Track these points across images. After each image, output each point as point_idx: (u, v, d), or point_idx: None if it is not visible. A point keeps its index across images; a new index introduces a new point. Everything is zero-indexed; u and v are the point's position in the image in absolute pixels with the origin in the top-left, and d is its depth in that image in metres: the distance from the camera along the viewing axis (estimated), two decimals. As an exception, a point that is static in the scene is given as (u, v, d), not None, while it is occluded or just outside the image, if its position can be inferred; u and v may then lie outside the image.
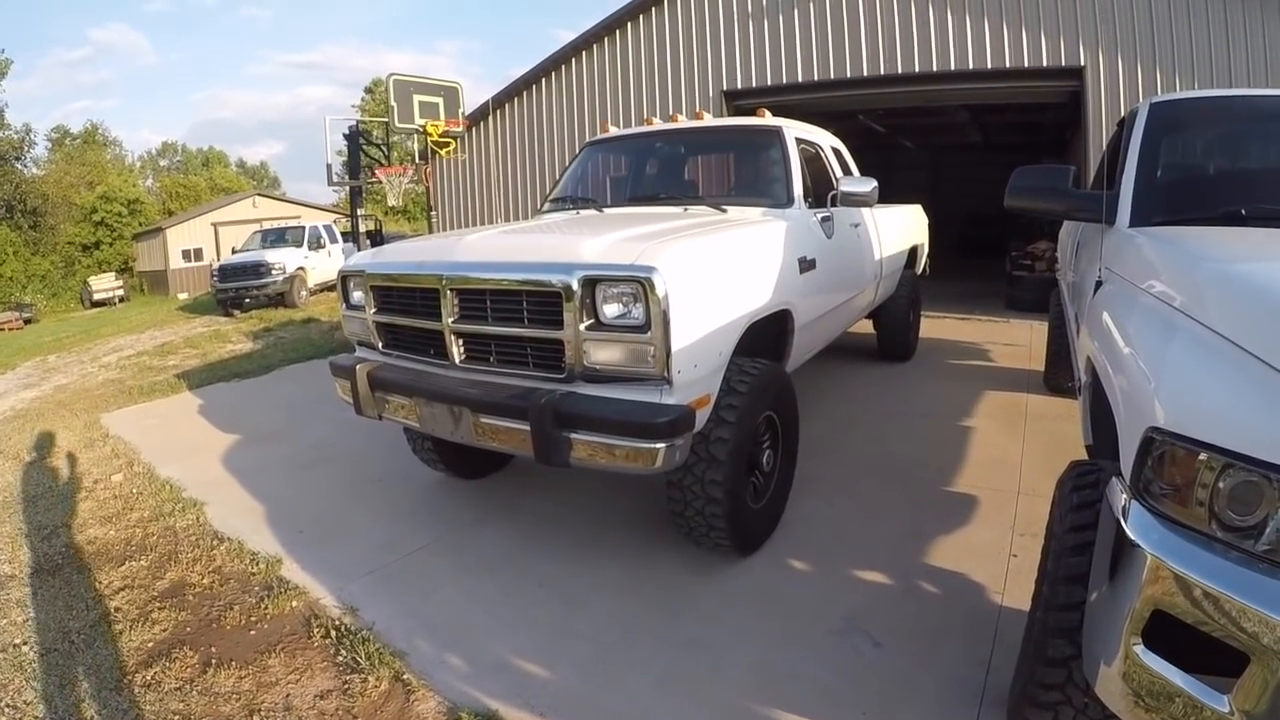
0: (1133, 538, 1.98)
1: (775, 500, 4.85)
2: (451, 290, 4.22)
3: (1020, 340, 10.56)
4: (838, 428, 6.92)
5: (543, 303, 3.90)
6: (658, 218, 5.10)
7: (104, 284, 39.14)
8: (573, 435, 3.79)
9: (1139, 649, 1.93)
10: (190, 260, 40.03)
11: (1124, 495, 2.11)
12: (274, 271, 20.96)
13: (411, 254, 4.76)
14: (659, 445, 3.62)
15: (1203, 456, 1.84)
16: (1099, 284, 3.58)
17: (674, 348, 3.63)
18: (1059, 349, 7.27)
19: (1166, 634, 1.90)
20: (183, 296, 34.92)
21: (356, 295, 5.01)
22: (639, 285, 3.62)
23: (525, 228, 5.34)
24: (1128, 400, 2.30)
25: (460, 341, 4.32)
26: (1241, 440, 1.79)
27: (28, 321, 31.32)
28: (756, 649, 3.74)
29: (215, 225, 41.06)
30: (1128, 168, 4.01)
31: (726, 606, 4.12)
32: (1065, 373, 7.08)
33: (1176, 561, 1.85)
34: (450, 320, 4.25)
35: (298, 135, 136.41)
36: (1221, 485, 1.81)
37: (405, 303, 4.64)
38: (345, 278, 5.11)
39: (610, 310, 3.75)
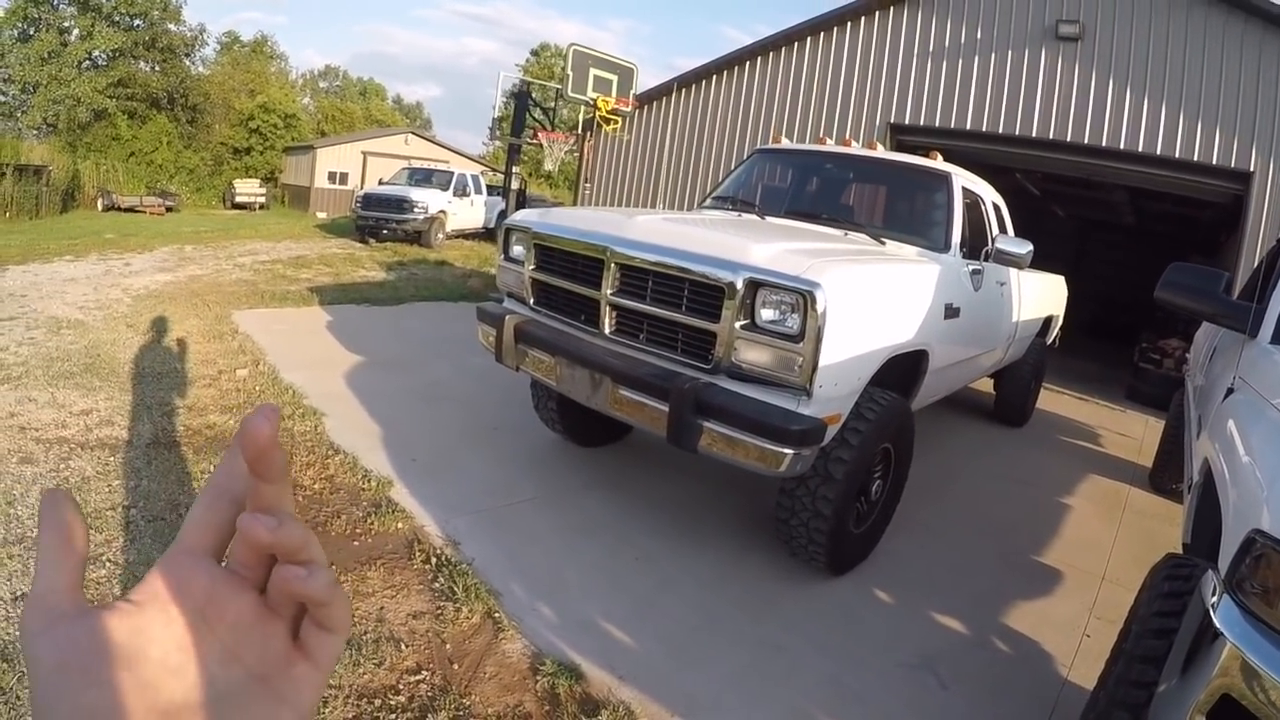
0: (1219, 626, 2.12)
1: (874, 529, 4.96)
2: (616, 264, 4.40)
3: (1134, 433, 10.39)
4: (942, 477, 6.96)
5: (704, 294, 4.06)
6: (820, 236, 5.25)
7: (248, 188, 39.93)
8: (706, 423, 3.96)
9: None
10: (335, 183, 40.83)
11: (1217, 588, 2.25)
12: (416, 209, 21.25)
13: (581, 221, 4.96)
14: (788, 451, 3.78)
15: None
16: (1230, 391, 3.64)
17: (821, 362, 3.78)
18: (1171, 449, 7.19)
19: None
20: (321, 215, 35.62)
21: (517, 250, 5.22)
22: (801, 297, 3.76)
23: (692, 219, 5.47)
24: (1238, 502, 2.42)
25: (614, 314, 4.52)
26: None
27: (170, 209, 32.08)
28: (830, 664, 3.86)
29: (365, 154, 41.79)
30: (1279, 287, 4.06)
31: (808, 619, 4.25)
32: (1172, 475, 7.07)
33: (1255, 654, 1.99)
34: (609, 292, 4.44)
35: (456, 83, 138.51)
36: None
37: (566, 266, 4.82)
38: (509, 230, 5.32)
39: (767, 314, 3.90)
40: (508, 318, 4.99)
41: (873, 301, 4.32)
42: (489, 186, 26.42)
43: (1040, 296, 8.68)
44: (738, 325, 3.93)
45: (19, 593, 3.57)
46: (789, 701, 3.55)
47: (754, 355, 3.94)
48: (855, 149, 6.89)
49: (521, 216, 5.35)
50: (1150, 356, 13.41)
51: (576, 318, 4.76)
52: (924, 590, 4.77)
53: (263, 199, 39.91)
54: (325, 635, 0.57)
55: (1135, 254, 21.88)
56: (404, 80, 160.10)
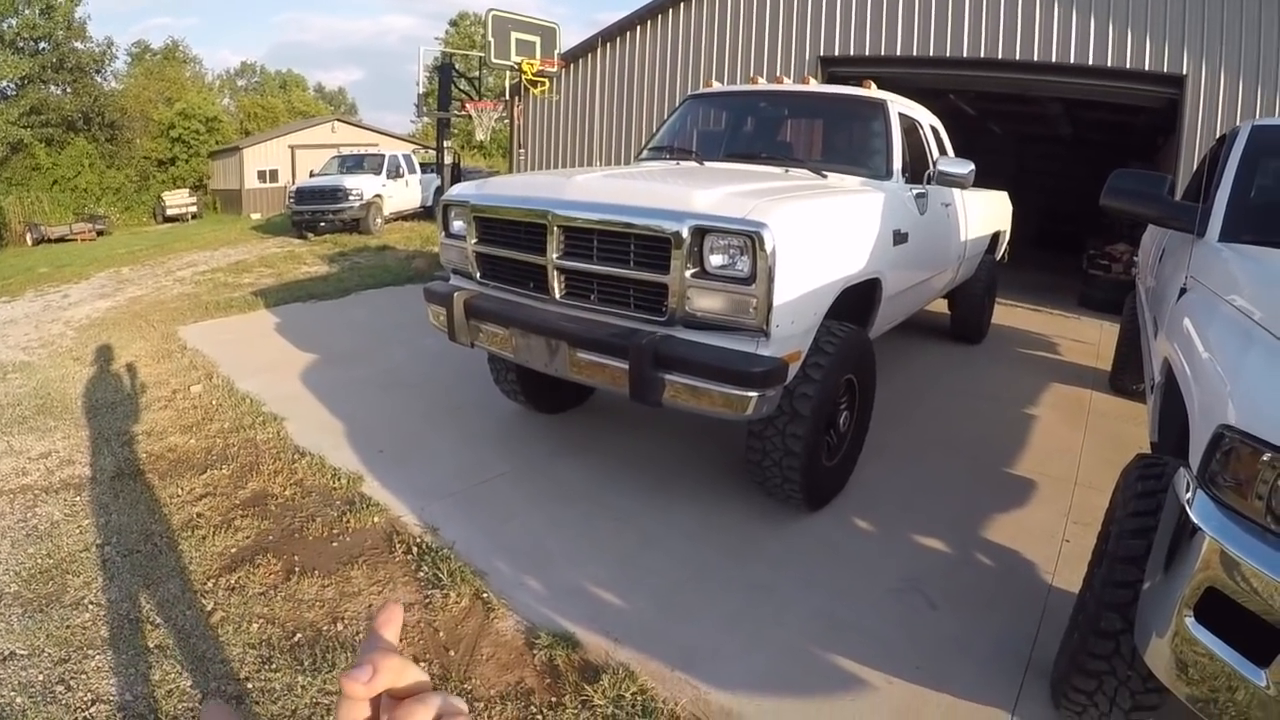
0: (1196, 521, 2.16)
1: (846, 461, 4.98)
2: (559, 227, 4.34)
3: (1089, 338, 10.51)
4: (906, 400, 7.02)
5: (651, 247, 4.01)
6: (760, 176, 5.19)
7: (178, 200, 39.45)
8: (667, 376, 3.93)
9: (1189, 621, 2.12)
10: (265, 181, 40.44)
11: (1190, 484, 2.29)
12: (351, 197, 21.02)
13: (519, 188, 4.90)
14: (752, 394, 3.77)
15: (1266, 456, 2.01)
16: (1183, 291, 3.66)
17: (775, 302, 3.76)
18: (1128, 352, 7.28)
19: (1214, 615, 2.09)
20: (255, 216, 35.21)
21: (458, 225, 5.12)
22: (748, 239, 3.73)
23: (632, 172, 5.41)
24: (1203, 400, 2.45)
25: (562, 277, 4.45)
26: None
27: (101, 233, 31.62)
28: (819, 598, 3.89)
29: (292, 148, 41.36)
30: (1222, 185, 4.11)
31: (792, 556, 4.28)
32: (1131, 376, 7.18)
33: (1233, 545, 2.04)
34: (555, 256, 4.37)
35: (378, 63, 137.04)
36: None
37: (509, 235, 4.75)
38: (448, 206, 5.22)
39: (716, 260, 3.86)
40: (456, 295, 4.91)
41: (820, 236, 4.29)
42: (422, 164, 26.12)
43: (985, 214, 8.73)
44: (688, 274, 3.88)
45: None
46: (784, 640, 3.57)
47: (708, 302, 3.91)
48: (788, 85, 6.85)
49: (459, 190, 5.26)
50: (1099, 263, 13.53)
51: (525, 286, 4.69)
52: (902, 514, 4.82)
53: (194, 208, 39.42)
54: None
55: (1075, 164, 22.02)
56: (324, 68, 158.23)
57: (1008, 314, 11.51)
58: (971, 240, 7.92)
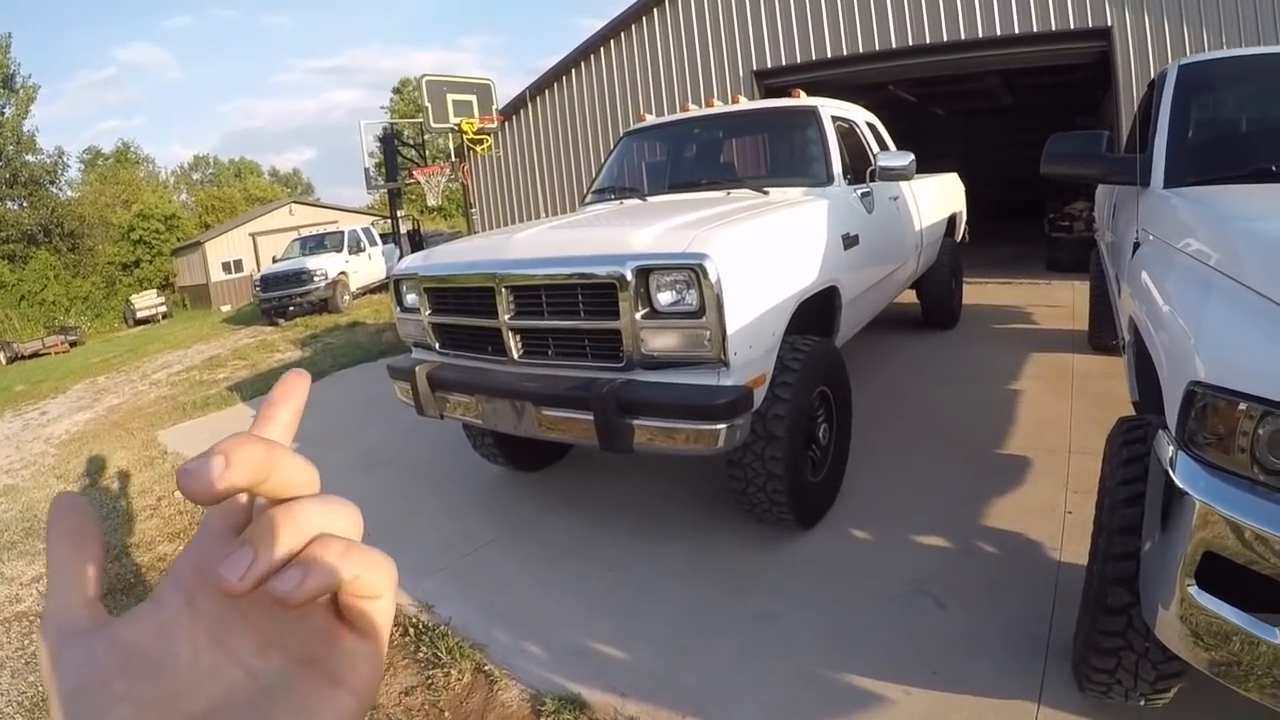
0: (1181, 486, 2.09)
1: (833, 472, 4.92)
2: (506, 288, 4.31)
3: (1062, 301, 10.52)
4: (889, 397, 6.99)
5: (598, 294, 3.98)
6: (702, 204, 5.16)
7: (146, 301, 39.36)
8: (635, 421, 3.87)
9: (1193, 590, 2.05)
10: (231, 272, 40.39)
11: (1171, 447, 2.22)
12: (316, 278, 20.98)
13: (464, 254, 4.87)
14: (720, 426, 3.70)
15: (1242, 406, 1.96)
16: (1137, 245, 3.63)
17: (729, 330, 3.72)
18: (1101, 308, 7.25)
19: (1219, 575, 2.02)
20: (225, 309, 35.22)
21: (410, 298, 5.10)
22: (692, 272, 3.70)
23: (573, 221, 5.42)
24: (1170, 357, 2.40)
25: (518, 337, 4.42)
26: (1277, 389, 1.91)
27: (74, 344, 31.48)
28: (825, 618, 3.82)
29: (253, 235, 41.38)
30: (1159, 131, 4.07)
31: (793, 579, 4.21)
32: (1109, 331, 7.10)
33: (1223, 505, 1.97)
34: (507, 317, 4.34)
35: (328, 140, 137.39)
36: (1261, 432, 1.93)
37: (460, 302, 4.73)
38: (398, 281, 5.20)
39: (665, 298, 3.83)
40: (418, 368, 4.86)
41: (765, 255, 4.26)
42: (382, 235, 26.10)
43: (937, 199, 8.73)
44: (638, 316, 3.84)
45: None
46: (794, 668, 3.50)
47: (662, 341, 3.87)
48: (719, 108, 6.84)
49: (407, 264, 5.24)
50: (1060, 225, 13.58)
51: (484, 350, 4.65)
52: (899, 516, 4.75)
53: (164, 308, 39.29)
54: (367, 602, 0.50)
55: (1021, 131, 22.03)
56: (275, 150, 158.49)
57: (979, 292, 11.52)
58: (927, 228, 7.90)
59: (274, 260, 25.25)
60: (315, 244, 24.26)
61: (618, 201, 6.22)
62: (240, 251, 40.95)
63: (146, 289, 42.46)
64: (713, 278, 3.64)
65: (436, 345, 5.01)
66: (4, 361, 29.49)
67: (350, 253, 23.08)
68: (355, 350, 13.56)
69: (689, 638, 3.82)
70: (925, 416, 6.50)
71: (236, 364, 14.81)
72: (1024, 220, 19.16)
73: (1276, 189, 3.35)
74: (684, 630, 3.89)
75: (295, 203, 46.76)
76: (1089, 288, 7.96)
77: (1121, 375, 5.70)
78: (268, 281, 21.68)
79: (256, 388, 11.62)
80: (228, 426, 9.44)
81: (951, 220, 9.50)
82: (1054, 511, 4.54)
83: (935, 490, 5.05)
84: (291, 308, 21.10)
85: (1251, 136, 4.41)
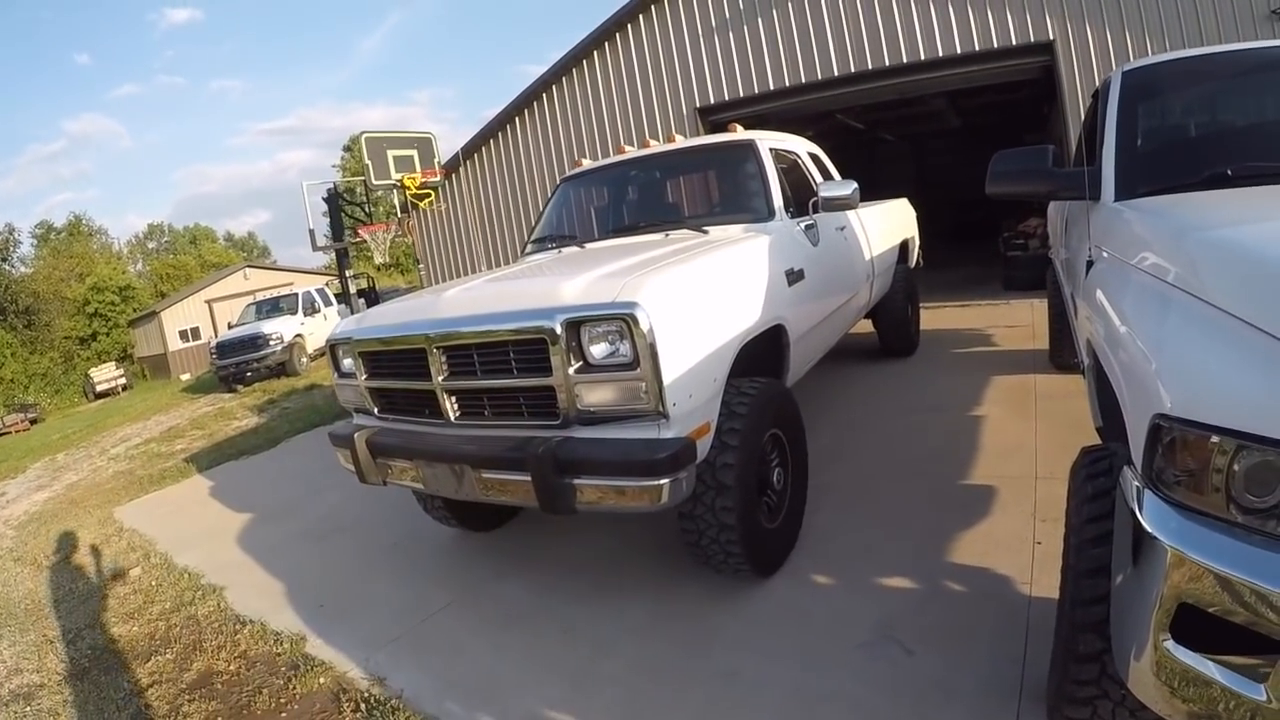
0: (1150, 530, 1.91)
1: (791, 517, 4.76)
2: (438, 348, 4.16)
3: (1022, 320, 10.51)
4: (849, 433, 6.86)
5: (529, 350, 3.83)
6: (638, 248, 5.04)
7: (105, 374, 39.12)
8: (576, 481, 3.71)
9: (1169, 644, 1.86)
10: (188, 340, 40.18)
11: (1137, 485, 2.04)
12: (272, 342, 20.89)
13: (396, 315, 4.71)
14: (663, 481, 3.54)
15: (1214, 440, 1.77)
16: (1090, 263, 3.51)
17: (666, 381, 3.57)
18: (1061, 326, 7.18)
19: (1197, 622, 1.82)
20: (185, 377, 34.92)
21: (347, 363, 4.94)
22: (623, 322, 3.56)
23: (505, 274, 5.29)
24: (1131, 386, 2.23)
25: (453, 398, 4.26)
26: (1252, 420, 1.72)
27: (34, 421, 31.26)
28: (788, 672, 3.66)
29: (209, 302, 41.21)
30: (1106, 140, 3.93)
31: (754, 632, 4.04)
32: (1069, 349, 6.97)
33: (1196, 552, 1.78)
34: (440, 378, 4.19)
35: (283, 202, 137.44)
36: (1236, 468, 1.75)
37: (395, 365, 4.57)
38: (334, 346, 5.04)
39: (598, 350, 3.68)
40: (356, 435, 4.69)
41: (702, 298, 4.12)
42: (336, 295, 25.97)
43: (888, 225, 8.68)
44: (572, 371, 3.68)
45: None
46: (758, 729, 3.33)
47: (598, 396, 3.71)
48: (656, 147, 6.74)
49: (341, 328, 5.08)
50: (1014, 243, 13.64)
51: (422, 413, 4.49)
52: (862, 557, 4.60)
53: (123, 380, 39.07)
54: None
55: (971, 151, 22.15)
56: (231, 215, 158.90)
57: (937, 316, 11.51)
58: (878, 255, 7.82)
59: (229, 326, 25.14)
60: (270, 308, 24.21)
61: (556, 250, 6.10)
62: (197, 319, 40.75)
63: (105, 362, 42.29)
64: (644, 327, 3.49)
65: (375, 410, 4.85)
66: (-36, 441, 29.16)
67: (305, 314, 23.00)
68: (312, 414, 13.41)
69: (646, 701, 3.66)
70: (886, 450, 6.36)
71: (194, 434, 14.65)
72: (979, 240, 19.26)
73: (1234, 195, 3.22)
74: (641, 694, 3.72)
75: (250, 267, 46.70)
76: (1047, 306, 7.87)
77: (1085, 393, 5.61)
78: (224, 348, 21.56)
79: (213, 458, 11.48)
80: (184, 499, 9.35)
81: (904, 246, 9.44)
82: (1023, 543, 4.41)
83: (899, 528, 4.90)
84: (249, 373, 20.96)
85: (1204, 141, 4.30)
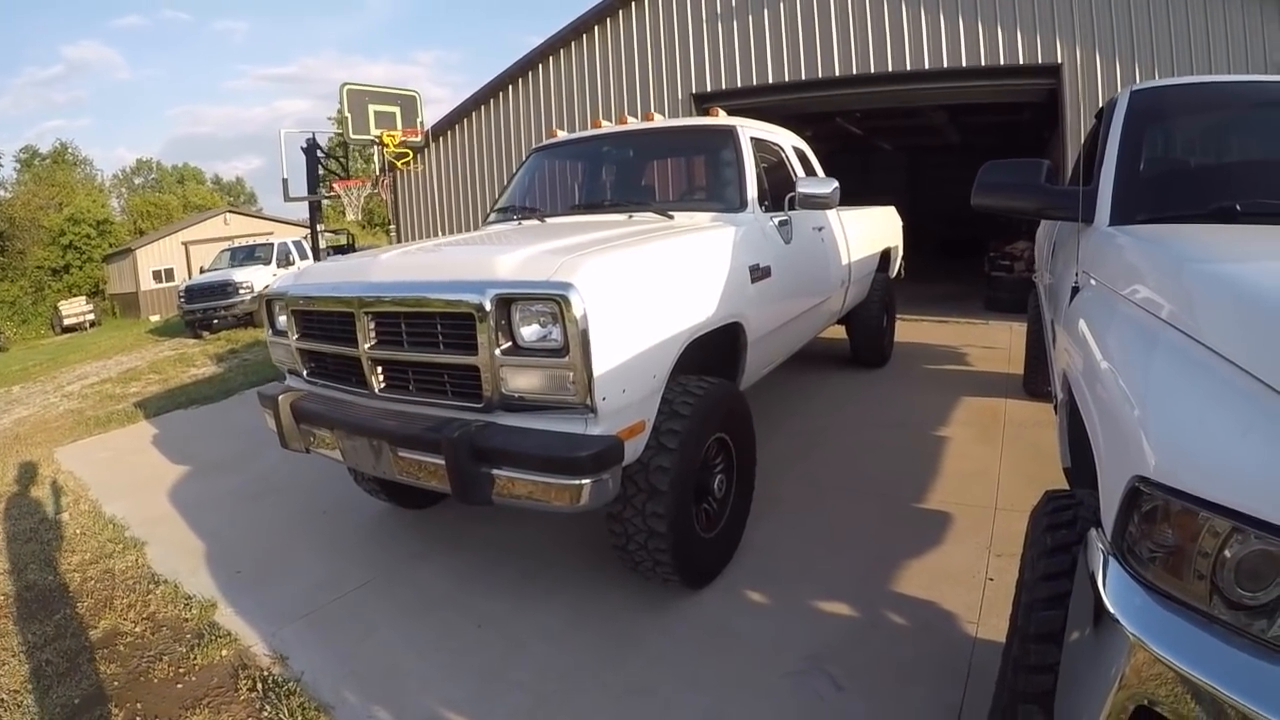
0: (1113, 611, 1.59)
1: (730, 528, 4.52)
2: (366, 314, 3.90)
3: (999, 342, 10.35)
4: (806, 441, 6.63)
5: (457, 325, 3.57)
6: (597, 227, 4.80)
7: (74, 309, 38.74)
8: (495, 471, 3.45)
9: None
10: (161, 281, 39.68)
11: (1103, 552, 1.72)
12: (241, 290, 20.56)
13: (331, 275, 4.44)
14: (584, 481, 3.28)
15: (1204, 517, 1.46)
16: (1076, 290, 3.26)
17: (596, 372, 3.30)
18: (1038, 353, 7.01)
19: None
20: (154, 319, 34.58)
21: (282, 320, 4.68)
22: (555, 304, 3.29)
23: (449, 241, 5.06)
24: (1109, 434, 1.93)
25: (379, 369, 4.00)
26: (1254, 499, 1.40)
27: (-2, 349, 30.98)
28: (707, 695, 3.44)
29: (186, 244, 40.75)
30: (1107, 161, 3.69)
31: (676, 648, 3.82)
32: (1044, 377, 6.79)
33: (1163, 646, 1.46)
34: (367, 346, 3.93)
35: (275, 150, 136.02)
36: (1228, 554, 1.43)
37: (325, 328, 4.31)
38: (269, 302, 4.78)
39: (528, 332, 3.42)
40: (281, 397, 4.43)
41: (647, 286, 3.85)
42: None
43: (870, 232, 8.45)
44: (498, 352, 3.42)
45: None
46: (662, 757, 3.10)
47: (523, 381, 3.45)
48: (632, 125, 6.47)
49: (278, 284, 4.81)
50: (1000, 264, 13.52)
51: (349, 381, 4.24)
52: (802, 578, 4.38)
53: (92, 316, 38.67)
54: None
55: (967, 169, 21.94)
56: (222, 158, 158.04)
57: (913, 329, 11.35)
58: (857, 261, 7.61)
59: (201, 271, 24.76)
60: (245, 255, 23.92)
61: (518, 222, 5.84)
62: (172, 260, 40.28)
63: (76, 295, 41.79)
64: (577, 311, 3.22)
65: (304, 373, 4.60)
66: (-74, 368, 28.78)
67: (279, 266, 22.54)
68: (270, 368, 13.08)
69: (551, 712, 3.44)
70: (842, 464, 6.15)
71: (151, 378, 14.33)
72: (966, 259, 19.18)
73: (1241, 231, 2.96)
74: (548, 702, 3.50)
75: (231, 212, 46.14)
76: (1026, 331, 7.72)
77: (1053, 424, 5.41)
78: (192, 293, 21.25)
79: (163, 404, 11.18)
80: (124, 445, 9.07)
81: (886, 254, 9.24)
82: (974, 578, 4.21)
83: (845, 549, 4.68)
84: (215, 320, 20.63)
85: (1211, 172, 4.03)
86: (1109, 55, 10.99)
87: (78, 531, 6.16)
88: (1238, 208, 3.12)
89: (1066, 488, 2.75)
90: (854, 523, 5.04)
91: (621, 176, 6.67)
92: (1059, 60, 11.33)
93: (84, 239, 44.68)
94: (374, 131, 13.46)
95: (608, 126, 6.55)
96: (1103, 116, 4.28)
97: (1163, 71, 10.63)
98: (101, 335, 31.07)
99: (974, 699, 3.19)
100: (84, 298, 41.16)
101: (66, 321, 37.72)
